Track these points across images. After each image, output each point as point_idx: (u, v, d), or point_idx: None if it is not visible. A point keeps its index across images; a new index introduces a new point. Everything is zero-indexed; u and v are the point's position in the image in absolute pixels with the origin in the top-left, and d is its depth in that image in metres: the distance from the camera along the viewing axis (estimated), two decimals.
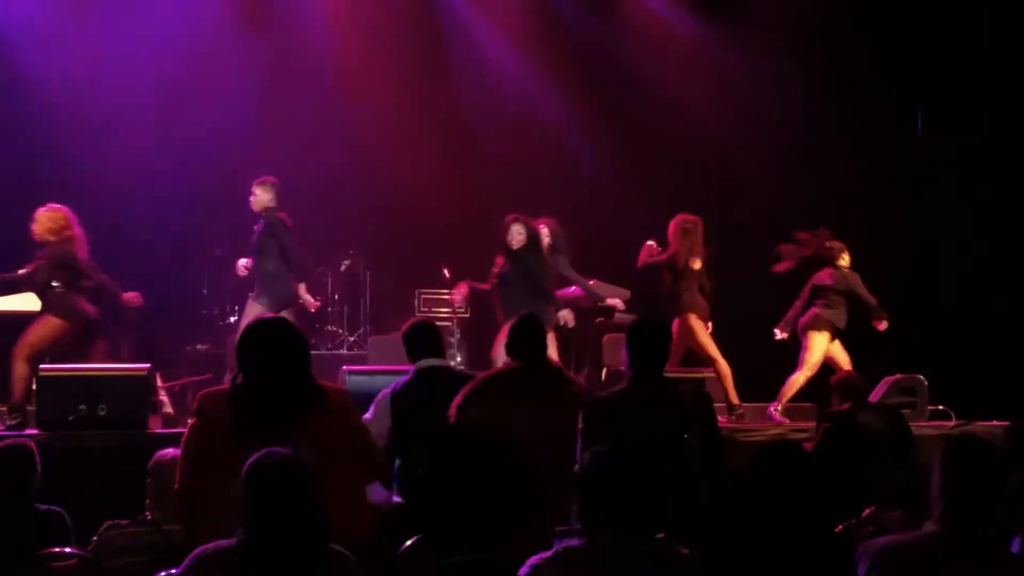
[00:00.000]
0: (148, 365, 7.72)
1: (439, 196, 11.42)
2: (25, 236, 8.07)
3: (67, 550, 4.33)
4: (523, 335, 5.05)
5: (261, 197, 8.49)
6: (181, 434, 6.91)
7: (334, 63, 11.44)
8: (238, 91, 11.01)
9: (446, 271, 10.54)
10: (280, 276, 8.45)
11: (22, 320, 9.15)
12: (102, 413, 7.15)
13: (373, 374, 7.89)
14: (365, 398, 5.34)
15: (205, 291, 10.65)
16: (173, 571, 3.51)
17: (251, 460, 3.05)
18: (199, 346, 10.50)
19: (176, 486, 3.85)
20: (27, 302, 9.19)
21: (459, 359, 10.62)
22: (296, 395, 3.66)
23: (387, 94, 11.43)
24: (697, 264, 8.59)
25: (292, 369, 3.68)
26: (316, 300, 8.87)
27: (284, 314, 7.19)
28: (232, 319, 10.71)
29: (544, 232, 8.64)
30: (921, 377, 8.93)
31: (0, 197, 9.71)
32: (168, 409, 8.63)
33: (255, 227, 8.53)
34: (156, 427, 7.51)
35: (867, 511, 4.37)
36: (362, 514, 3.72)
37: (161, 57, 10.70)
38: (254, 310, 8.20)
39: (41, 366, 7.67)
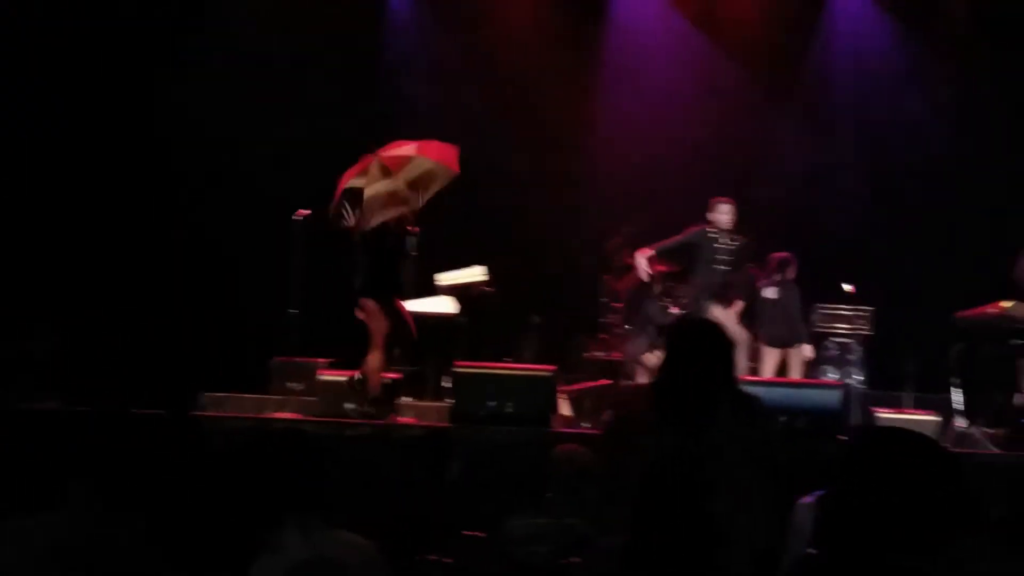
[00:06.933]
0: (554, 367, 8.07)
1: (845, 208, 11.16)
2: None
3: (476, 534, 4.63)
4: None
5: None
6: (580, 434, 7.28)
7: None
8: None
9: (851, 287, 10.23)
10: None
11: (437, 321, 9.87)
12: (509, 410, 7.55)
13: (771, 386, 7.83)
14: None
15: (603, 299, 10.93)
16: (573, 560, 3.66)
17: (649, 460, 3.10)
18: (597, 353, 10.78)
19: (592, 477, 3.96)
20: (444, 305, 9.88)
21: (858, 378, 10.27)
22: (714, 397, 3.67)
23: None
24: None
25: (713, 370, 3.69)
26: None
27: None
28: (627, 327, 10.93)
29: None
30: None
31: None
32: (567, 412, 8.96)
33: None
34: (557, 426, 7.83)
35: None
36: (764, 525, 3.69)
37: None
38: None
39: (456, 363, 8.20)
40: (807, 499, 4.33)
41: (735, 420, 3.64)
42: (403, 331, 8.13)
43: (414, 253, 8.78)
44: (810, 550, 3.67)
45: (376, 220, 7.96)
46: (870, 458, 2.42)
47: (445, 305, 9.83)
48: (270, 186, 10.80)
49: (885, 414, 8.53)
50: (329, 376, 8.29)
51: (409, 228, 8.33)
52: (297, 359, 8.91)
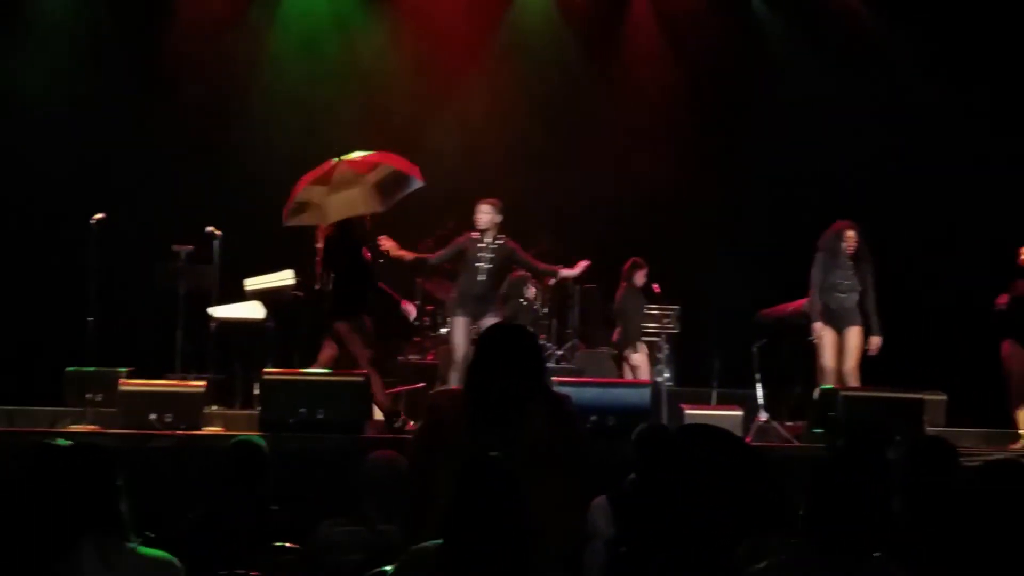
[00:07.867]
0: (366, 372, 7.97)
1: (651, 212, 11.41)
2: None
3: (287, 545, 4.51)
4: None
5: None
6: (394, 439, 7.21)
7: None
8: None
9: (656, 287, 10.47)
10: None
11: (245, 327, 9.63)
12: (321, 417, 7.42)
13: (581, 386, 7.93)
14: None
15: (417, 302, 10.88)
16: (387, 568, 3.59)
17: (461, 463, 3.08)
18: (411, 356, 10.73)
19: (407, 483, 3.91)
20: (252, 310, 9.65)
21: (667, 376, 10.51)
22: (525, 398, 3.66)
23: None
24: None
25: (524, 372, 3.69)
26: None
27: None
28: (443, 330, 10.91)
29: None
30: None
31: None
32: (380, 416, 8.88)
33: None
34: (371, 432, 7.74)
35: None
36: (573, 524, 3.73)
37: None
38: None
39: (264, 370, 8.03)
40: (599, 500, 4.40)
41: (546, 421, 3.66)
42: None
43: None
44: (613, 545, 3.71)
45: (335, 218, 8.03)
46: (674, 454, 2.45)
47: (253, 310, 9.62)
48: (63, 189, 10.36)
49: (692, 411, 8.76)
50: (131, 386, 7.96)
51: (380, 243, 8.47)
52: (95, 368, 8.53)
